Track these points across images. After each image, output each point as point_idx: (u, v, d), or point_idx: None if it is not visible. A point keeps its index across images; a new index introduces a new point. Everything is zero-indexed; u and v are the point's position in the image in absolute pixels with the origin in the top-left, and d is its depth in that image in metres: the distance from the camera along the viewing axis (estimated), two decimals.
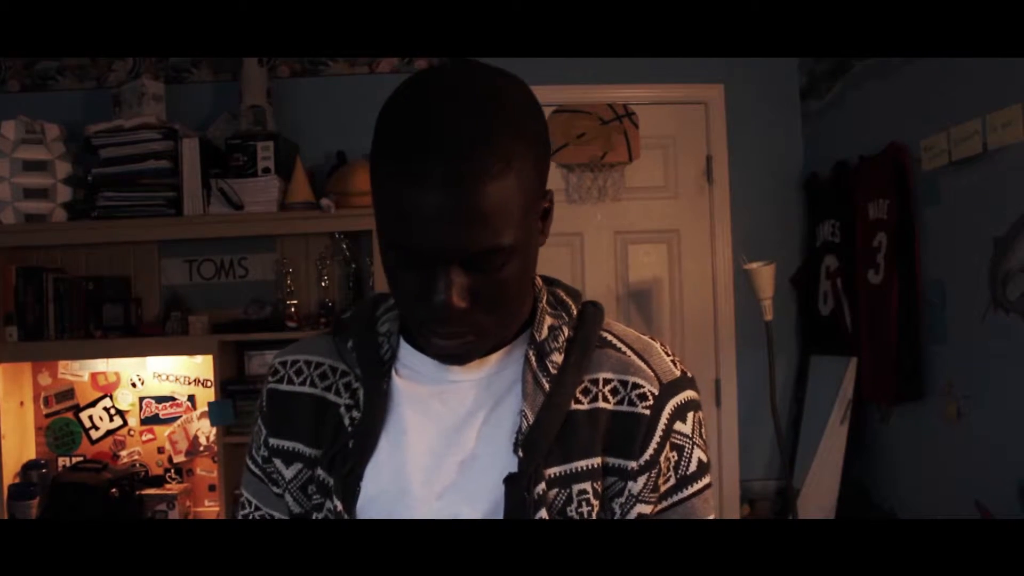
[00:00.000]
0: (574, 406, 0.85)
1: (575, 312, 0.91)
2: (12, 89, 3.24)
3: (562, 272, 3.35)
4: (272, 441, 0.91)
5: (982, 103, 2.26)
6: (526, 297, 0.87)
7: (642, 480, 0.85)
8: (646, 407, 0.86)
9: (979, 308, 2.32)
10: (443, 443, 0.86)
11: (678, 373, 0.89)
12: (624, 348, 0.90)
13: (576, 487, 0.83)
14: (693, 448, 0.88)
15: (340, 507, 0.84)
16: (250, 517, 0.95)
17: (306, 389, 0.91)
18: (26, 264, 3.00)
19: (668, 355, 0.91)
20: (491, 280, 0.77)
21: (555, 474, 0.83)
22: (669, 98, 3.40)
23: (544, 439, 0.82)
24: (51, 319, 2.96)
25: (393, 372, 0.89)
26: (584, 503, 0.83)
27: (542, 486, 0.81)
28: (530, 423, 0.83)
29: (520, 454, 0.82)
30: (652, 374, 0.88)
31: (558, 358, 0.86)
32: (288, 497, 0.90)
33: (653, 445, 0.85)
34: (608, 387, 0.86)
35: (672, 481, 0.87)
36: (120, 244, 3.09)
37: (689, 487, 0.88)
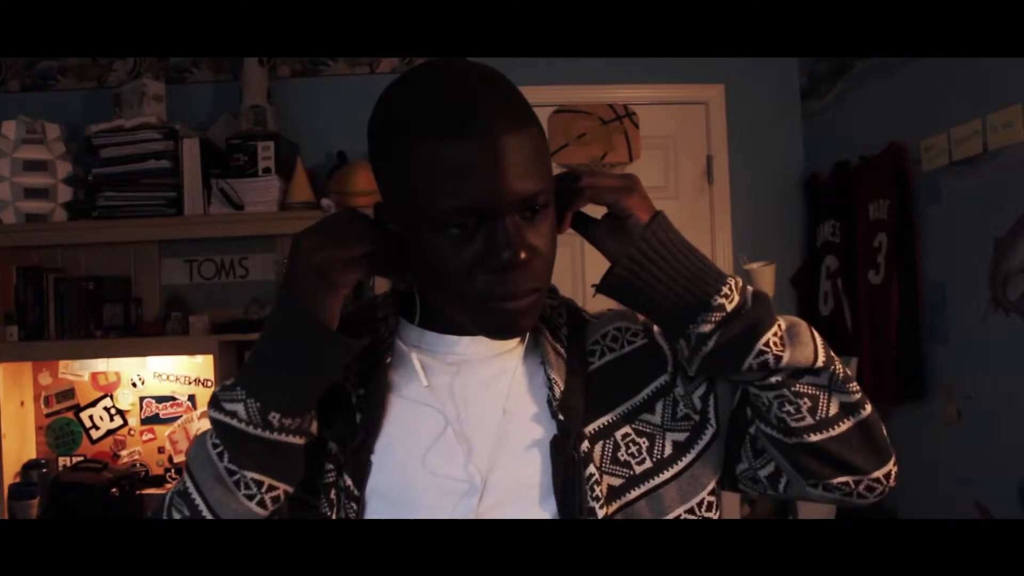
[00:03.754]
0: (589, 368, 0.92)
1: (558, 295, 1.00)
2: (13, 89, 3.24)
3: (562, 273, 3.33)
4: None
5: (982, 103, 2.26)
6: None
7: (679, 380, 0.92)
8: (641, 337, 0.95)
9: (979, 309, 2.32)
10: (463, 415, 0.88)
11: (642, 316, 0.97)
12: (598, 317, 0.99)
13: (618, 434, 0.89)
14: None
15: (350, 483, 0.85)
16: None
17: None
18: (26, 264, 3.00)
19: None
20: (538, 230, 0.82)
21: (594, 429, 0.88)
22: (669, 98, 3.40)
23: (578, 400, 0.88)
24: (51, 319, 2.96)
25: (398, 348, 0.91)
26: (631, 444, 0.89)
27: (585, 444, 0.86)
28: (562, 388, 0.89)
29: (561, 417, 0.87)
30: (630, 315, 0.97)
31: (566, 330, 0.94)
32: None
33: (668, 353, 0.93)
34: (607, 339, 0.95)
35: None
36: (120, 244, 3.09)
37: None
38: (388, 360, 0.90)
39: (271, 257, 3.16)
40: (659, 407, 0.91)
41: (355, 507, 0.85)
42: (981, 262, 2.29)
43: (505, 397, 0.89)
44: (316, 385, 0.83)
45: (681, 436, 0.90)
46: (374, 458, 0.87)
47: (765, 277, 2.85)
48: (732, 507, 3.29)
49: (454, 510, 0.85)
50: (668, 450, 0.89)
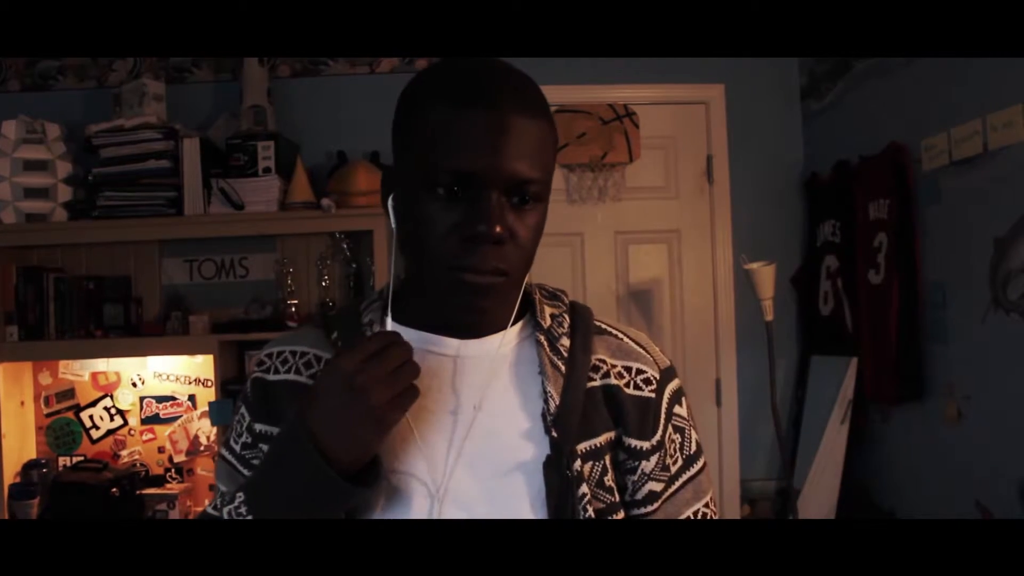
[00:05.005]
0: (588, 384, 0.90)
1: (567, 301, 0.97)
2: (13, 89, 3.24)
3: (562, 272, 3.35)
4: (257, 427, 0.92)
5: (983, 103, 2.26)
6: (530, 266, 0.89)
7: (654, 459, 0.91)
8: (651, 391, 0.92)
9: (980, 308, 2.32)
10: (449, 422, 0.88)
11: (668, 361, 0.96)
12: (619, 334, 0.96)
13: (607, 458, 0.89)
14: (691, 430, 0.96)
15: None
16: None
17: (291, 377, 0.92)
18: (27, 264, 3.01)
19: (654, 344, 0.98)
20: (523, 219, 0.83)
21: (586, 448, 0.87)
22: (670, 98, 3.40)
23: (573, 418, 0.87)
24: (51, 319, 2.97)
25: None
26: (614, 469, 0.90)
27: (578, 462, 0.86)
28: (557, 404, 0.87)
29: (554, 434, 0.85)
30: (651, 359, 0.94)
31: (567, 342, 0.91)
32: None
33: (660, 427, 0.92)
34: (615, 371, 0.92)
35: (680, 462, 0.94)
36: (121, 244, 3.09)
37: (694, 465, 0.95)
38: None
39: (271, 257, 3.17)
40: (624, 457, 0.92)
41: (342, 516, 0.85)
42: (981, 262, 2.29)
43: (492, 401, 0.88)
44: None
45: (658, 486, 0.92)
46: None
47: (765, 277, 2.85)
48: (732, 507, 3.29)
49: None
50: (643, 493, 0.91)
